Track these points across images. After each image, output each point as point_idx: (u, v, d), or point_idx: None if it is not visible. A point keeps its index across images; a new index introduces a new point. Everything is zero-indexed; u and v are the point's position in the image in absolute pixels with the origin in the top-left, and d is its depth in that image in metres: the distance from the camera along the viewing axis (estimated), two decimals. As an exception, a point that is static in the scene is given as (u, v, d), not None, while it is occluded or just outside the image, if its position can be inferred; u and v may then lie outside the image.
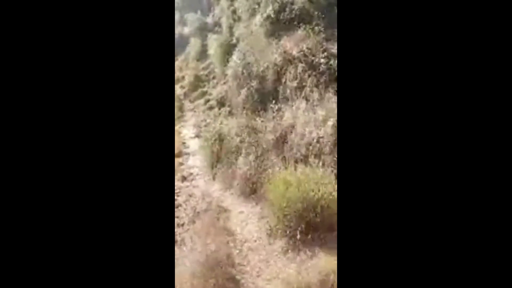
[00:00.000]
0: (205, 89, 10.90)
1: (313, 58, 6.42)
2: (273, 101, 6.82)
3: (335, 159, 4.91)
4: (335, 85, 5.84)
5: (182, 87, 11.67)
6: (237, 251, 4.64)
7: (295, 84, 6.44)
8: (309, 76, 6.26)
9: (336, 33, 6.43)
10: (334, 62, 6.10)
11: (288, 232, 4.47)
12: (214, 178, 6.48)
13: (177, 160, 7.35)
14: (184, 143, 8.28)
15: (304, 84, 6.30)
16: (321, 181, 4.55)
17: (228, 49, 9.48)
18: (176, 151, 7.56)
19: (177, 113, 9.65)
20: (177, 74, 12.41)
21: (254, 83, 7.52)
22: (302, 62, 6.52)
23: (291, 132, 5.88)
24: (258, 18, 8.03)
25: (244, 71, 7.88)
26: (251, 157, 5.93)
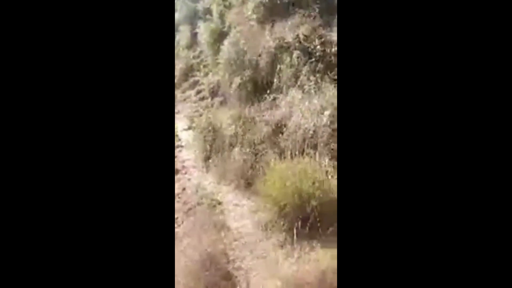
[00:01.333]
0: (196, 78, 10.59)
1: (308, 45, 6.22)
2: (268, 90, 6.62)
3: (332, 150, 4.79)
4: (331, 73, 5.67)
5: (173, 76, 11.37)
6: (232, 246, 4.52)
7: (290, 72, 6.25)
8: (304, 63, 6.07)
9: (332, 19, 6.22)
10: (330, 49, 5.91)
11: (285, 226, 4.36)
12: (207, 171, 6.32)
13: (169, 153, 7.17)
14: (176, 135, 8.05)
15: (299, 72, 6.11)
16: (318, 173, 4.43)
17: (219, 37, 9.18)
18: (168, 143, 7.36)
19: (168, 104, 9.39)
20: (168, 63, 12.05)
21: (248, 72, 7.28)
22: (297, 49, 6.31)
23: (287, 122, 5.72)
24: (250, 4, 7.74)
25: (237, 59, 7.62)
26: (246, 149, 5.76)
